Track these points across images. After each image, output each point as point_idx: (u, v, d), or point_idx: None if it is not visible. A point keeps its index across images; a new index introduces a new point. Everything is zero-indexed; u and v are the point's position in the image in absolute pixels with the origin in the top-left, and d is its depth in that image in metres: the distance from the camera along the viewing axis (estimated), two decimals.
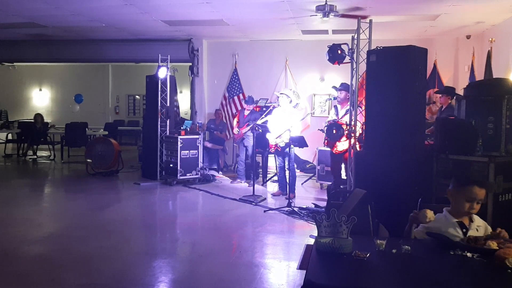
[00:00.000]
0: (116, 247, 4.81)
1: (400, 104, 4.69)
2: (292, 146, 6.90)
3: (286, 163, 7.23)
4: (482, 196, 2.59)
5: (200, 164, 8.60)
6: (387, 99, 4.80)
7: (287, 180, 7.22)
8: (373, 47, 5.46)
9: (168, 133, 8.77)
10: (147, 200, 7.43)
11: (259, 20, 8.40)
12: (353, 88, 6.06)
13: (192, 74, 10.62)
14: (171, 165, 8.40)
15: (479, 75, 8.17)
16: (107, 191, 7.96)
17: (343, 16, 7.20)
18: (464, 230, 2.58)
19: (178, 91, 13.03)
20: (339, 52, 6.07)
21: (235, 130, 8.77)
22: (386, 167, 4.65)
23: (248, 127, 8.19)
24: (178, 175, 8.26)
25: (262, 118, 7.66)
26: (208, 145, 9.48)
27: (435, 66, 9.28)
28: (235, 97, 10.34)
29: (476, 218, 2.66)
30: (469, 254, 2.24)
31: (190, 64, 10.56)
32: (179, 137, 8.29)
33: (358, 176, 5.50)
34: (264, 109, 8.55)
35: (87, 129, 11.56)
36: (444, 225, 2.60)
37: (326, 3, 6.65)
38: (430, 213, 2.55)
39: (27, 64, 15.58)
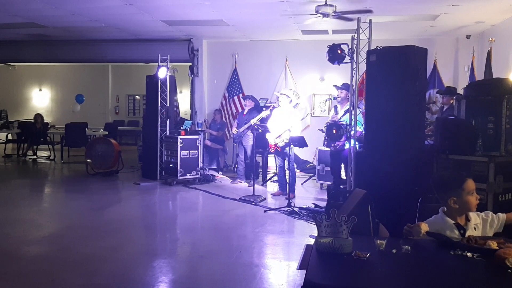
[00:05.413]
0: (116, 247, 4.81)
1: (400, 104, 4.69)
2: (292, 146, 6.90)
3: (286, 163, 7.23)
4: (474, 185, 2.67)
5: (200, 164, 8.60)
6: (387, 99, 4.79)
7: (287, 180, 7.22)
8: (373, 47, 5.45)
9: (168, 133, 8.77)
10: (147, 200, 7.43)
11: (259, 20, 8.40)
12: (353, 88, 6.06)
13: (192, 74, 10.62)
14: (171, 165, 8.40)
15: (479, 75, 8.17)
16: (107, 191, 7.95)
17: (344, 13, 7.19)
18: (461, 231, 2.57)
19: (178, 91, 13.02)
20: (339, 52, 6.06)
21: (234, 130, 8.78)
22: (386, 167, 4.65)
23: (245, 126, 8.19)
24: (178, 175, 8.26)
25: (261, 116, 7.64)
26: (208, 143, 9.49)
27: (435, 66, 9.28)
28: (235, 97, 10.34)
29: (472, 216, 2.64)
30: (469, 254, 2.23)
31: (190, 64, 10.57)
32: (179, 137, 8.29)
33: (358, 176, 5.50)
34: (264, 109, 8.54)
35: (87, 129, 11.56)
36: (441, 227, 2.59)
37: (326, 3, 6.66)
38: (424, 226, 2.48)
39: (27, 64, 15.56)
